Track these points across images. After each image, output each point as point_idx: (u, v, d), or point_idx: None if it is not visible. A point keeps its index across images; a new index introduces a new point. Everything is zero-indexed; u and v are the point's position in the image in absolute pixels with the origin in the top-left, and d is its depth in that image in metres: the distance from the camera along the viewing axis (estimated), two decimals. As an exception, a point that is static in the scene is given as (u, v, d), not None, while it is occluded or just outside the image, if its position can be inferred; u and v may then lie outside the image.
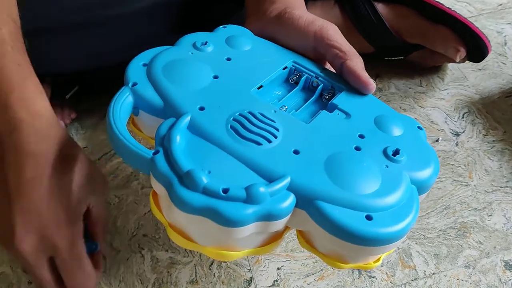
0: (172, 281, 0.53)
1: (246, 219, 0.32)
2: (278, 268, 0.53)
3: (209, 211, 0.32)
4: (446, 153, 0.63)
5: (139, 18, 0.54)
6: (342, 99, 0.42)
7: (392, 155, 0.38)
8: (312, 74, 0.45)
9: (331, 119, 0.41)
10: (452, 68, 0.73)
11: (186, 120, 0.37)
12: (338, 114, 0.41)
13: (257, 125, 0.38)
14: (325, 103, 0.43)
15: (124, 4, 0.53)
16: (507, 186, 0.59)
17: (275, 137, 0.37)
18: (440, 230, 0.56)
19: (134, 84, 0.40)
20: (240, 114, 0.38)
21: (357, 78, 0.43)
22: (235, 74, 0.43)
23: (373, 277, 0.53)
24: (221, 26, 0.48)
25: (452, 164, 0.62)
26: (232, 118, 0.38)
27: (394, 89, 0.70)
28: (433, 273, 0.53)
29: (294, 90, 0.44)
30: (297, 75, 0.45)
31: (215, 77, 0.42)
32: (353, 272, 0.53)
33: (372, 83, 0.43)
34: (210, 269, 0.54)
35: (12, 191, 0.39)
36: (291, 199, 0.34)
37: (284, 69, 0.45)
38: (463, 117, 0.67)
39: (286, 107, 0.42)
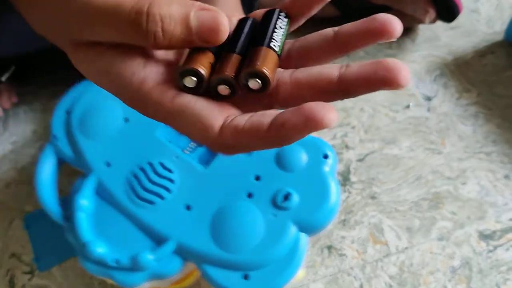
0: None
1: (137, 282, 0.38)
2: (244, 251, 0.51)
3: (107, 276, 0.38)
4: (418, 119, 0.60)
5: None
6: None
7: (282, 201, 0.39)
8: None
9: (230, 159, 0.41)
10: (423, 28, 0.69)
11: (92, 183, 0.41)
12: None
13: (153, 181, 0.40)
14: None
15: None
16: (481, 152, 0.57)
17: (169, 191, 0.40)
18: (412, 202, 0.53)
19: (55, 138, 0.44)
20: (140, 168, 0.41)
21: None
22: None
23: (343, 255, 0.50)
24: None
25: (424, 131, 0.59)
26: (132, 174, 0.41)
27: (363, 53, 0.66)
28: (406, 248, 0.50)
29: None
30: None
31: (126, 119, 0.44)
32: (322, 252, 0.50)
33: None
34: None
35: None
36: (176, 262, 0.38)
37: None
38: (435, 80, 0.63)
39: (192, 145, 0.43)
